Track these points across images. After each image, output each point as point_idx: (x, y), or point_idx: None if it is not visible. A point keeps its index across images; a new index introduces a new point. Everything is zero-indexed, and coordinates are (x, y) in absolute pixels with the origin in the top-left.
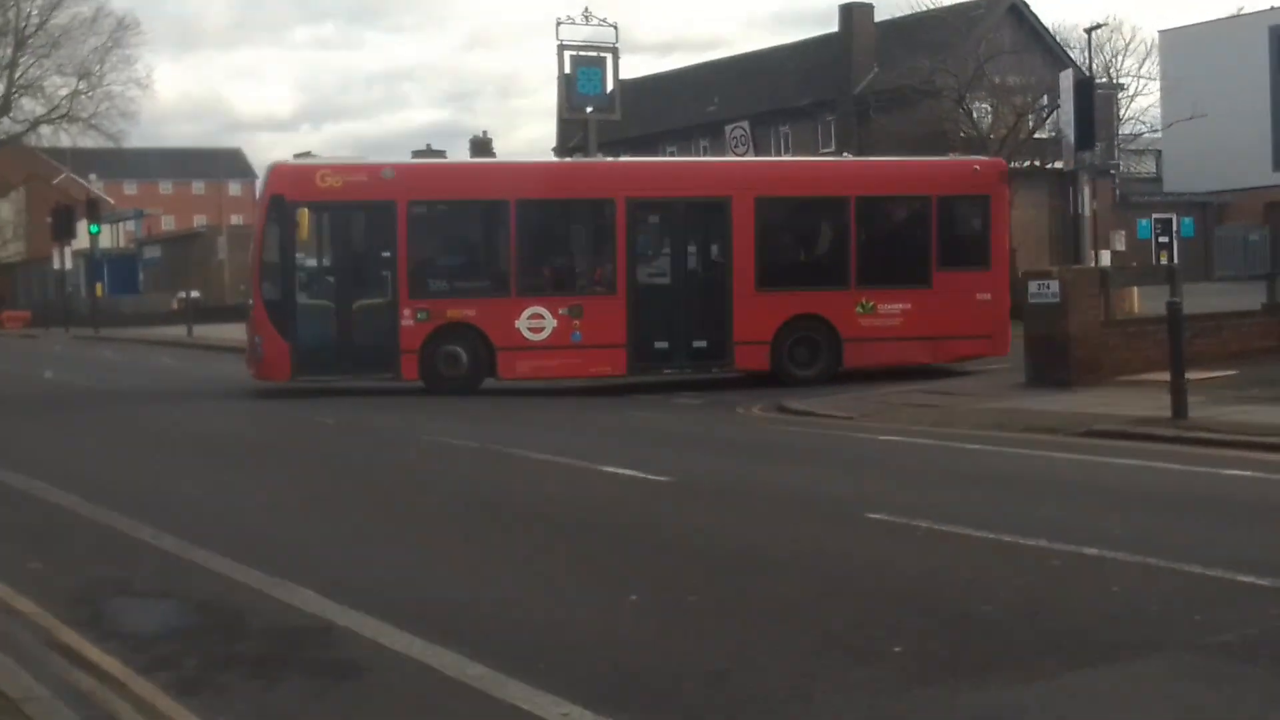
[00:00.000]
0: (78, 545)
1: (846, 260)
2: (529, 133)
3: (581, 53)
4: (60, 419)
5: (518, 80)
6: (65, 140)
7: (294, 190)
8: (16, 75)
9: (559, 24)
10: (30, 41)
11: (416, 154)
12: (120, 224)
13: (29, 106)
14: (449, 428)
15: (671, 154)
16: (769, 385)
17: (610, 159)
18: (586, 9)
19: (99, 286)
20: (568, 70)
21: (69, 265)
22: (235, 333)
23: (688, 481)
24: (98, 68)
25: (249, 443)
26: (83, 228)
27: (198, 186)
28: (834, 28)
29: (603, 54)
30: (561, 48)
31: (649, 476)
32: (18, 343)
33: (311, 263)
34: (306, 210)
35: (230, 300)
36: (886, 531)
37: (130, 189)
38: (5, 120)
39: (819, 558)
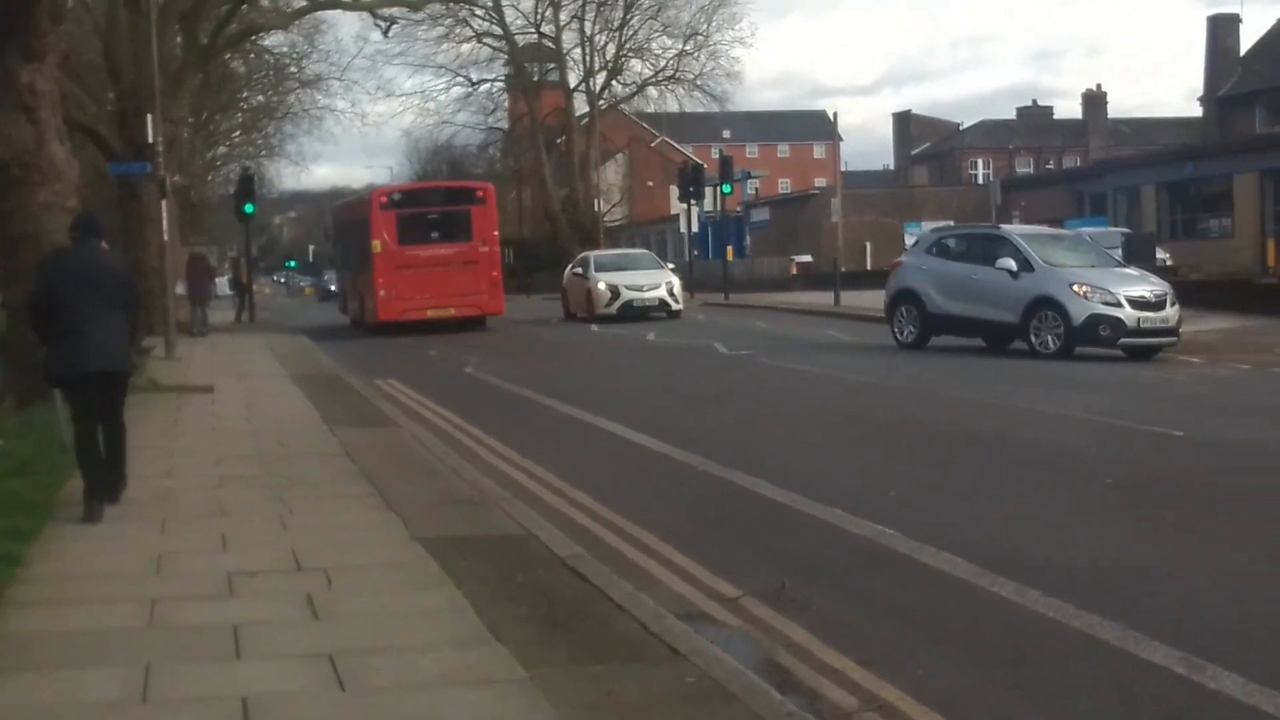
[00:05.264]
0: (1032, 654)
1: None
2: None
3: None
4: (797, 410)
5: (1107, 38)
6: (671, 102)
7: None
8: (625, 38)
9: None
10: (639, 3)
11: (1021, 110)
12: (733, 185)
13: (637, 68)
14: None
15: None
16: None
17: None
18: None
19: (729, 250)
20: None
21: (695, 228)
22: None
23: None
24: (704, 27)
25: (1076, 457)
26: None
27: (783, 150)
28: None
29: None
30: None
31: None
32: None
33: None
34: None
35: (848, 264)
36: None
37: (717, 152)
38: (615, 84)
39: None
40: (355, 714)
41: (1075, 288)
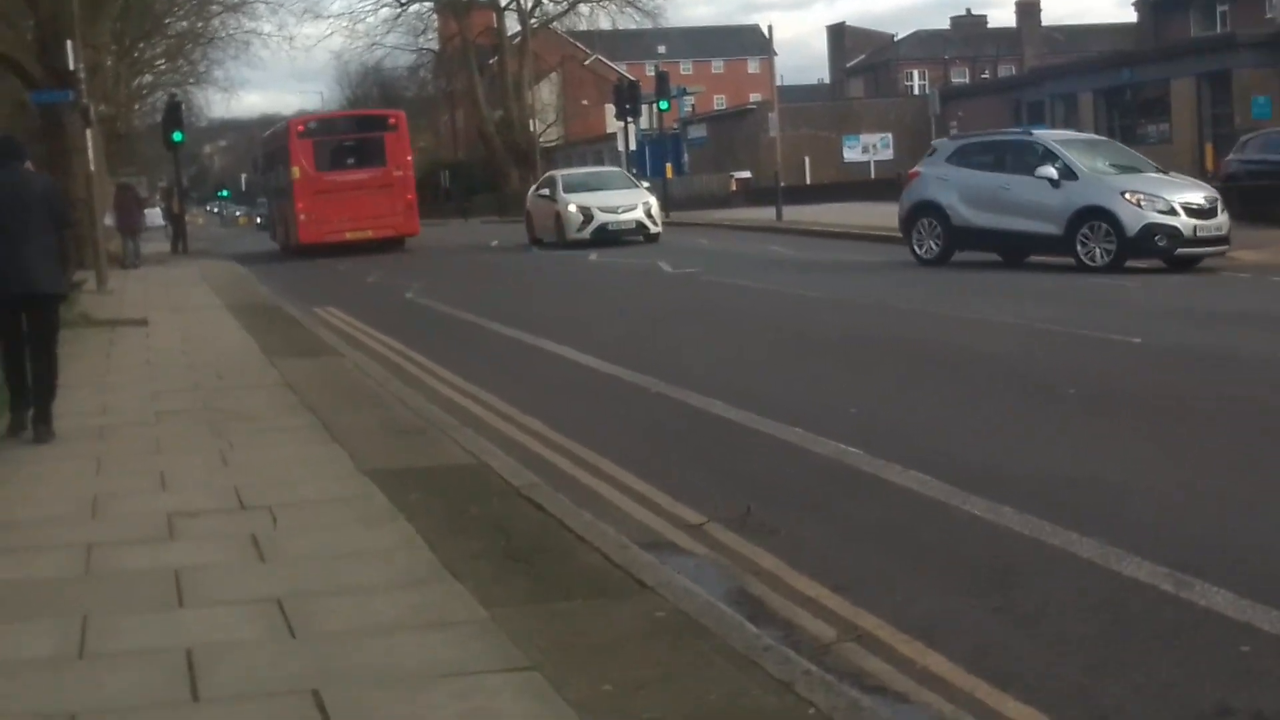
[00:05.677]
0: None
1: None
2: None
3: None
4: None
5: None
6: (604, 19)
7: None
8: None
9: None
10: None
11: (955, 20)
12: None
13: None
14: None
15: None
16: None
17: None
18: None
19: (668, 168)
20: None
21: (633, 147)
22: (829, 215)
23: None
24: None
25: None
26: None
27: (717, 65)
28: None
29: None
30: None
31: None
32: None
33: None
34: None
35: (787, 179)
36: None
37: (651, 70)
38: (546, 1)
39: None
40: (308, 663)
41: (1127, 196)
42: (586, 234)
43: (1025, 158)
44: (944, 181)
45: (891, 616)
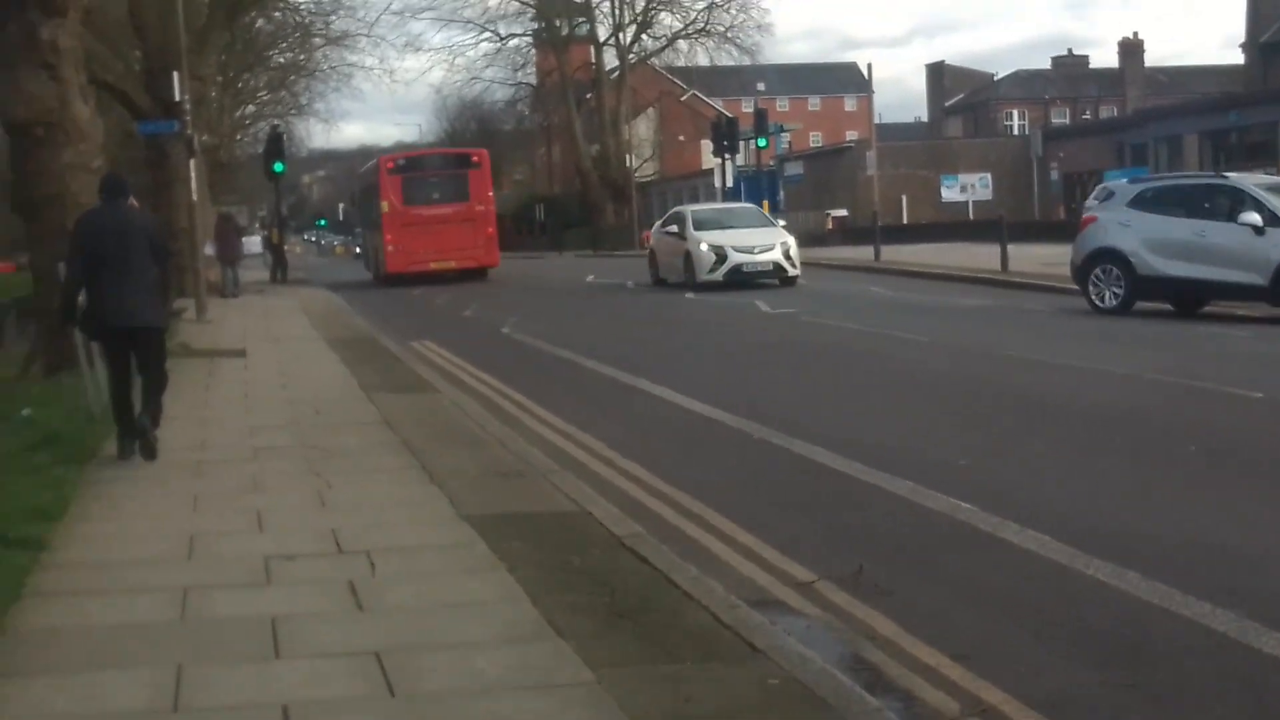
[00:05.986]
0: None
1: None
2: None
3: None
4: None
5: None
6: (701, 56)
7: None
8: None
9: None
10: None
11: (1056, 60)
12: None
13: (667, 21)
14: None
15: None
16: None
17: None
18: None
19: (765, 205)
20: None
21: (729, 183)
22: (928, 255)
23: None
24: None
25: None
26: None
27: (813, 103)
28: None
29: None
30: None
31: None
32: None
33: None
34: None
35: (884, 219)
36: None
37: (747, 106)
38: (644, 37)
39: None
40: None
41: None
42: (719, 275)
43: (1219, 203)
44: (1126, 227)
45: (1017, 690)
